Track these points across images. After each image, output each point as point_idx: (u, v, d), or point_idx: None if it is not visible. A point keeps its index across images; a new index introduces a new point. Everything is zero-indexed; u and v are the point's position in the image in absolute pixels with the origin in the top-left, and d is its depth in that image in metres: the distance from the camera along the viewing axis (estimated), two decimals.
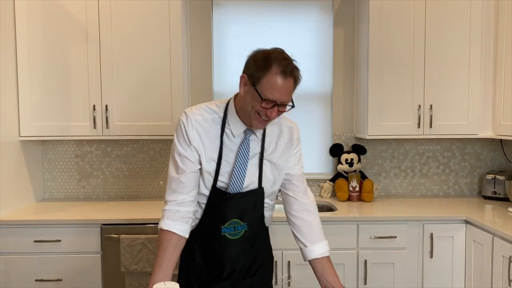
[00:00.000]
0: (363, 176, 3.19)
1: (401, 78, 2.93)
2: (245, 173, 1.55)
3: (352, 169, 3.15)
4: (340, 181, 3.13)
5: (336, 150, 3.22)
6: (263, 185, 1.60)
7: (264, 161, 1.61)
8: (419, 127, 2.94)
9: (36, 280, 2.61)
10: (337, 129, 3.30)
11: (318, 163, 3.33)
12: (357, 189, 3.09)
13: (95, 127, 2.87)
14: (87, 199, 3.25)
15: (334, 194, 3.24)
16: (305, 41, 3.25)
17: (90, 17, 2.82)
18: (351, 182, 3.10)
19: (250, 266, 1.66)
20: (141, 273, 2.58)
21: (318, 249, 1.65)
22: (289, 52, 1.55)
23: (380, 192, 3.30)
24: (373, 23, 2.90)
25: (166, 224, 1.52)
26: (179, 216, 1.53)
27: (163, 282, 1.37)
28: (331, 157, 3.30)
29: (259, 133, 1.61)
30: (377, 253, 2.69)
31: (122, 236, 2.58)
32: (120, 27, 2.83)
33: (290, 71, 1.46)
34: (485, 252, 2.48)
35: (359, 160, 3.18)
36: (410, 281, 2.71)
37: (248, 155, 1.56)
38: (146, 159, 3.25)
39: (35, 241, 2.60)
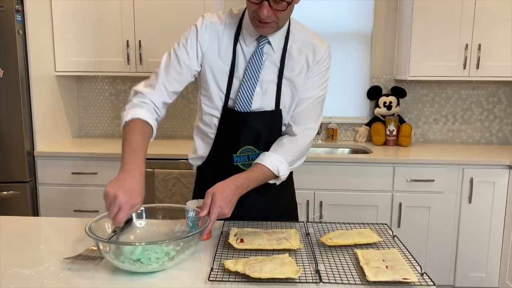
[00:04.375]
0: (401, 121, 3.07)
1: (448, 14, 2.73)
2: (254, 88, 1.36)
3: (390, 113, 3.03)
4: (377, 125, 3.02)
5: (374, 93, 3.10)
6: (281, 107, 1.39)
7: (283, 80, 1.39)
8: (464, 68, 2.77)
9: (75, 211, 2.71)
10: (376, 71, 3.16)
11: (354, 106, 3.23)
12: (394, 133, 2.99)
13: (128, 63, 2.85)
14: (121, 137, 3.28)
15: (369, 139, 3.15)
16: None
17: None
18: (388, 125, 2.99)
19: (267, 214, 1.47)
20: None
21: (266, 157, 1.34)
22: None
23: (417, 137, 3.18)
24: None
25: (135, 114, 1.30)
26: (146, 108, 1.34)
27: (196, 200, 1.37)
28: (368, 100, 3.18)
29: (278, 45, 1.39)
30: (413, 196, 2.62)
31: (157, 170, 2.61)
32: None
33: None
34: None
35: (398, 104, 3.05)
36: (446, 226, 2.64)
37: (261, 66, 1.36)
38: (179, 99, 3.23)
39: (72, 173, 2.68)
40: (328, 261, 1.13)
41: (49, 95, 2.84)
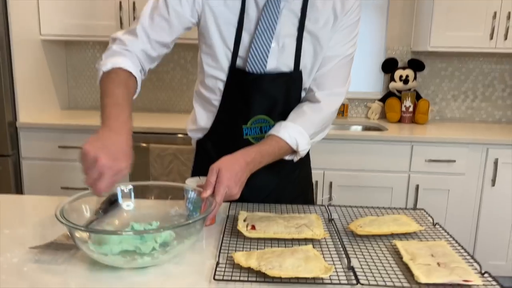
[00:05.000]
0: (417, 96, 2.83)
1: None
2: (269, 43, 1.11)
3: (406, 87, 2.79)
4: (392, 100, 2.78)
5: (389, 66, 2.85)
6: (301, 68, 1.15)
7: (305, 34, 1.14)
8: (491, 38, 2.52)
9: (62, 188, 2.48)
10: (392, 42, 2.90)
11: (367, 80, 2.98)
12: (411, 109, 2.75)
13: (121, 27, 2.58)
14: None
15: (382, 116, 2.92)
16: None
17: None
18: (404, 101, 2.75)
19: (280, 196, 1.24)
20: None
21: (283, 127, 1.12)
22: None
23: (434, 115, 2.95)
24: None
25: (115, 62, 1.04)
26: (128, 57, 1.08)
27: (197, 177, 1.14)
28: (382, 74, 2.93)
29: None
30: (432, 178, 2.40)
31: (152, 145, 2.38)
32: None
33: None
34: None
35: (415, 78, 2.80)
36: (465, 209, 2.44)
37: (277, 16, 1.11)
38: (176, 69, 2.97)
39: (59, 147, 2.44)
40: (363, 255, 0.90)
41: (33, 61, 2.57)
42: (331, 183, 2.44)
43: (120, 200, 0.99)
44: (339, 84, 1.17)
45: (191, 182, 1.08)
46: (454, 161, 2.37)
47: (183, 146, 2.37)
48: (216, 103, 1.20)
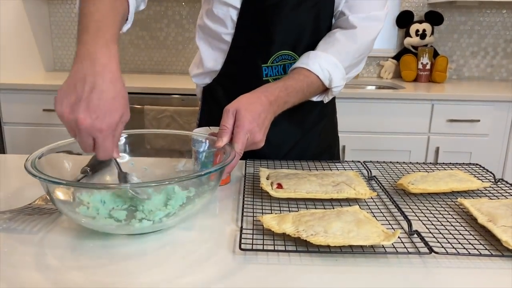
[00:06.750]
0: (434, 53, 2.61)
1: None
2: None
3: (423, 43, 2.56)
4: (408, 57, 2.56)
5: (404, 19, 2.61)
6: None
7: None
8: None
9: None
10: None
11: (379, 36, 2.72)
12: (428, 67, 2.53)
13: None
14: None
15: (396, 76, 2.70)
16: None
17: None
18: (421, 58, 2.53)
19: (303, 152, 1.07)
20: None
21: (312, 58, 0.90)
22: None
23: (451, 74, 2.73)
24: None
25: None
26: None
27: (206, 127, 0.93)
28: (396, 29, 2.69)
29: None
30: (453, 139, 2.21)
31: (147, 107, 2.15)
32: None
33: None
34: None
35: (432, 33, 2.57)
36: None
37: None
38: (171, 26, 2.71)
39: (44, 110, 2.21)
40: (426, 216, 0.71)
41: (12, 17, 2.30)
42: (344, 147, 2.24)
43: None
44: (376, 7, 0.95)
45: (200, 132, 0.87)
46: (478, 120, 2.17)
47: (181, 107, 2.14)
48: (228, 37, 0.98)
